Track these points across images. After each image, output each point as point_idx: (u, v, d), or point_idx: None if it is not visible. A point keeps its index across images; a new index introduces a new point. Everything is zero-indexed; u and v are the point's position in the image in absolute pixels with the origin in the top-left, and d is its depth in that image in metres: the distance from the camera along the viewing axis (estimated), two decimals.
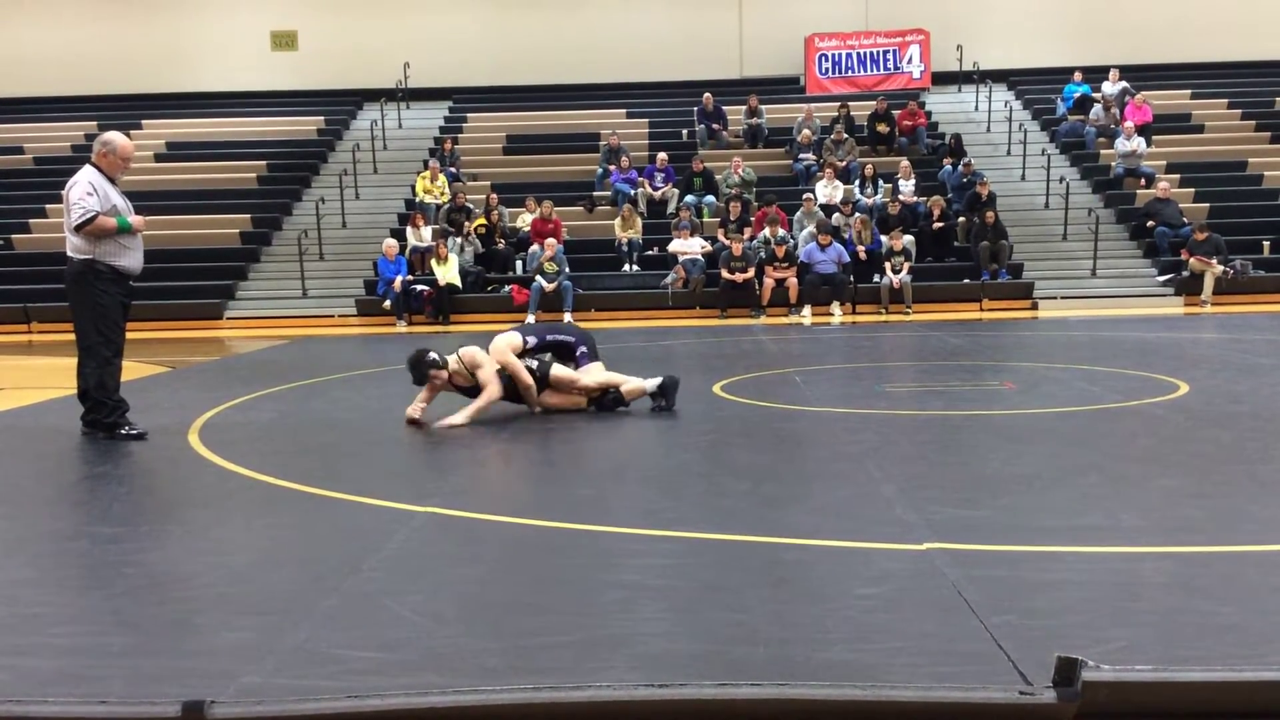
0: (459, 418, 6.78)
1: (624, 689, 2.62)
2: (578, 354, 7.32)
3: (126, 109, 23.61)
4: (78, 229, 6.56)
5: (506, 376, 7.05)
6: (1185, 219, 18.07)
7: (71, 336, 6.87)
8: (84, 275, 6.63)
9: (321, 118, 23.52)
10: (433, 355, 6.88)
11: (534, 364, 7.14)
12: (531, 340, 7.25)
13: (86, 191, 6.57)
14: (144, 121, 23.17)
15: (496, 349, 7.06)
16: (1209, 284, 16.82)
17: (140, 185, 20.74)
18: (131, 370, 11.00)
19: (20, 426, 7.40)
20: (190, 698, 2.59)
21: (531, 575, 3.70)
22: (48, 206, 19.87)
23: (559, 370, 7.17)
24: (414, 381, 6.96)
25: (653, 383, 7.30)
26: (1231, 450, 5.68)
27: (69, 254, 6.70)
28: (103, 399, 6.66)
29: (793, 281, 16.80)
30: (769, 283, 16.79)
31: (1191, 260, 17.05)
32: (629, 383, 7.29)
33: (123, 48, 23.98)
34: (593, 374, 7.27)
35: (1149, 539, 3.99)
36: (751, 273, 16.81)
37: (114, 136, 6.85)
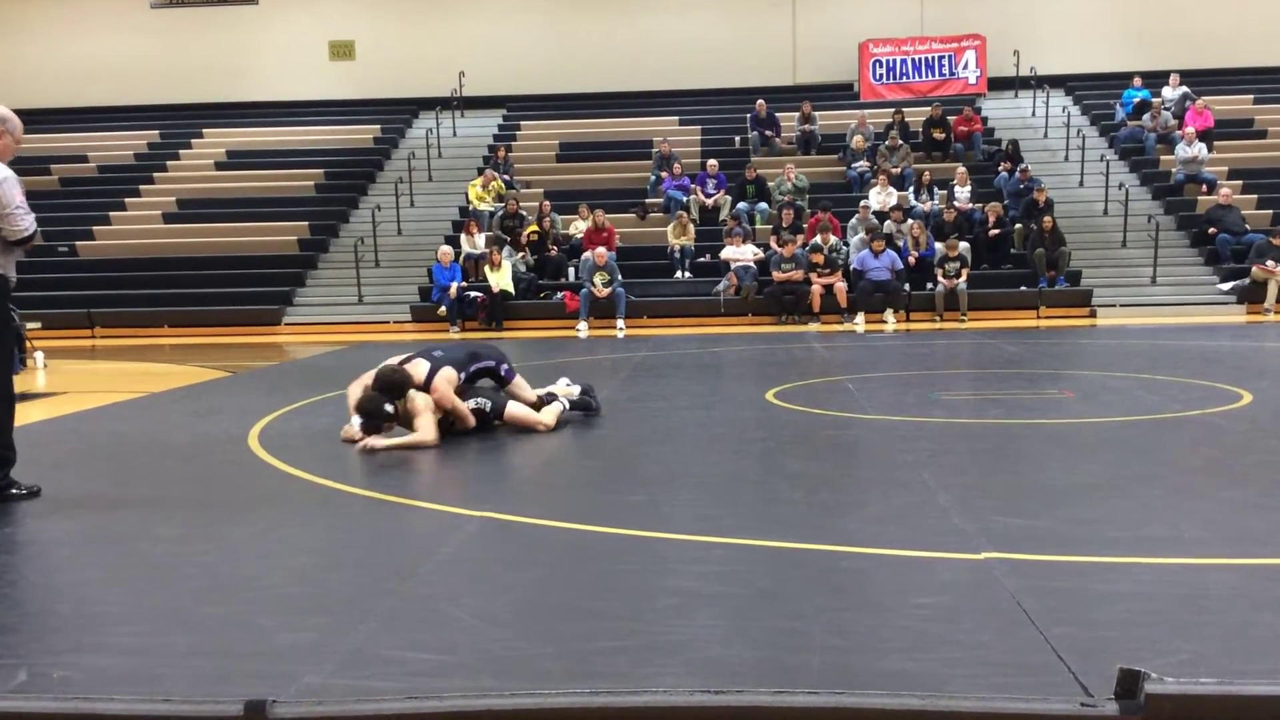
0: (381, 441, 6.31)
1: (680, 694, 2.62)
2: (503, 373, 7.09)
3: (187, 118, 24.08)
4: (22, 243, 5.09)
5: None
6: (1247, 225, 17.75)
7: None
8: (5, 293, 5.14)
9: (378, 126, 23.77)
10: (388, 407, 6.31)
11: (486, 404, 6.82)
12: (462, 376, 6.86)
13: (23, 193, 5.10)
14: (204, 130, 23.62)
15: (441, 392, 6.58)
16: (1273, 292, 16.49)
17: (201, 193, 21.27)
18: (193, 375, 11.22)
19: (84, 430, 7.56)
20: (252, 697, 2.64)
21: (587, 580, 3.71)
22: (111, 214, 20.44)
23: (515, 409, 6.90)
24: (361, 429, 6.38)
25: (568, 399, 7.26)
26: None
27: None
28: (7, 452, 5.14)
29: (840, 286, 16.72)
30: (816, 289, 16.72)
31: (1254, 268, 16.74)
32: (550, 411, 7.09)
33: (184, 59, 24.40)
34: (544, 414, 6.99)
35: (1213, 550, 3.92)
36: (800, 274, 16.76)
37: (10, 113, 5.18)
